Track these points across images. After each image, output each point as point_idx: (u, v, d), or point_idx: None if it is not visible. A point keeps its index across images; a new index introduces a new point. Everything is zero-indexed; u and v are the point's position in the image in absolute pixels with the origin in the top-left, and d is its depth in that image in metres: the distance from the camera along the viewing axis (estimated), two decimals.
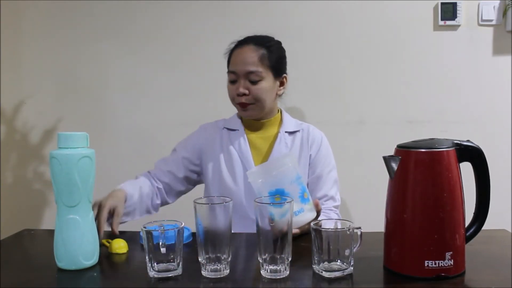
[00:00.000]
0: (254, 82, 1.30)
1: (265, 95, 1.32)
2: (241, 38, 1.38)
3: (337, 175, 1.39)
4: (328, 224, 0.87)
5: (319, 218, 1.08)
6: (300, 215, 1.03)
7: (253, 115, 1.35)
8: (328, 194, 1.33)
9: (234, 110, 1.43)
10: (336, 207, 1.34)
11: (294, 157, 1.12)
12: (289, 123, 1.41)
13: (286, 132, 1.38)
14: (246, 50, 1.32)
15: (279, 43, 1.40)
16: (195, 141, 1.41)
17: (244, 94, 1.31)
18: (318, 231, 0.83)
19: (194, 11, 2.07)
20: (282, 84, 1.39)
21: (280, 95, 1.40)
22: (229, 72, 1.35)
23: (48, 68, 2.13)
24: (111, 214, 1.14)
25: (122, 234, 1.13)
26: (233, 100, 1.35)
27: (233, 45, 1.38)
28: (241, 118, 1.41)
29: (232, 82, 1.34)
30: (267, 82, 1.32)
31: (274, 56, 1.34)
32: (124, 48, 2.10)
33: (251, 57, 1.31)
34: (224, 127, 1.41)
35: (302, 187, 1.05)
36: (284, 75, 1.38)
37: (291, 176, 1.03)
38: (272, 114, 1.39)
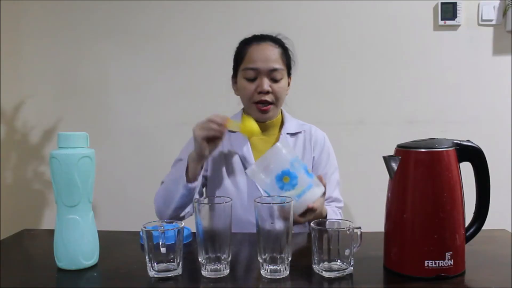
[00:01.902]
0: (276, 81, 1.26)
1: (283, 95, 1.30)
2: (250, 35, 1.33)
3: (339, 176, 1.38)
4: (328, 224, 0.87)
5: (328, 217, 1.08)
6: (310, 191, 1.04)
7: (272, 116, 1.31)
8: (332, 196, 1.31)
9: (234, 110, 1.42)
10: (339, 208, 1.32)
11: (285, 142, 1.09)
12: (291, 124, 1.36)
13: (287, 133, 1.34)
14: (267, 47, 1.27)
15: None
16: None
17: (268, 92, 1.26)
18: (318, 231, 0.83)
19: (194, 11, 2.07)
20: (288, 84, 1.36)
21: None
22: (248, 69, 1.26)
23: (48, 68, 2.13)
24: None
25: (122, 234, 1.13)
26: (250, 99, 1.28)
27: (245, 41, 1.31)
28: (242, 119, 1.37)
29: (250, 80, 1.27)
30: (285, 81, 1.30)
31: (288, 55, 1.33)
32: (124, 48, 2.10)
33: (273, 54, 1.26)
34: None
35: (303, 165, 1.06)
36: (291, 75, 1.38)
37: (289, 158, 1.04)
38: (275, 115, 1.35)
